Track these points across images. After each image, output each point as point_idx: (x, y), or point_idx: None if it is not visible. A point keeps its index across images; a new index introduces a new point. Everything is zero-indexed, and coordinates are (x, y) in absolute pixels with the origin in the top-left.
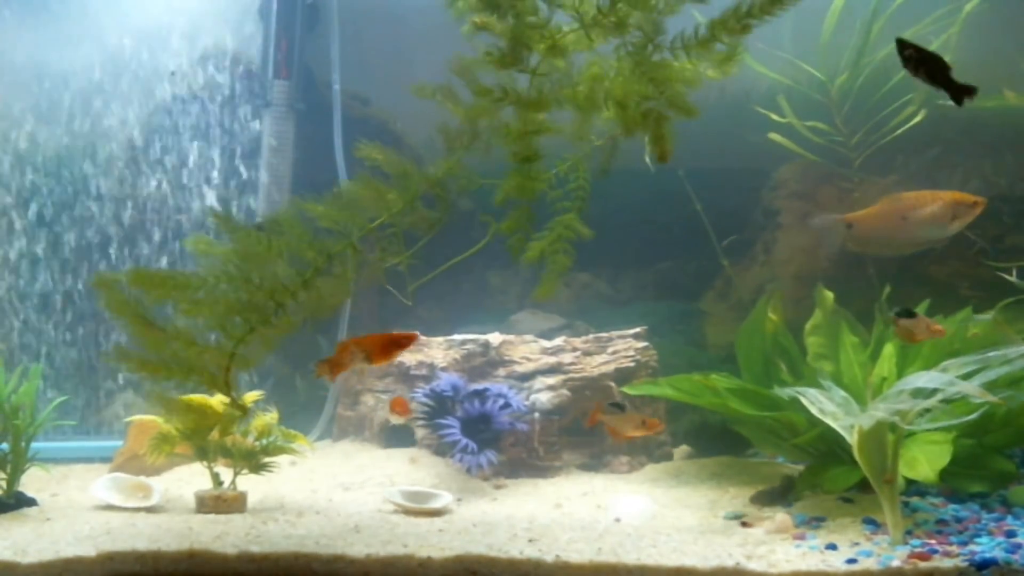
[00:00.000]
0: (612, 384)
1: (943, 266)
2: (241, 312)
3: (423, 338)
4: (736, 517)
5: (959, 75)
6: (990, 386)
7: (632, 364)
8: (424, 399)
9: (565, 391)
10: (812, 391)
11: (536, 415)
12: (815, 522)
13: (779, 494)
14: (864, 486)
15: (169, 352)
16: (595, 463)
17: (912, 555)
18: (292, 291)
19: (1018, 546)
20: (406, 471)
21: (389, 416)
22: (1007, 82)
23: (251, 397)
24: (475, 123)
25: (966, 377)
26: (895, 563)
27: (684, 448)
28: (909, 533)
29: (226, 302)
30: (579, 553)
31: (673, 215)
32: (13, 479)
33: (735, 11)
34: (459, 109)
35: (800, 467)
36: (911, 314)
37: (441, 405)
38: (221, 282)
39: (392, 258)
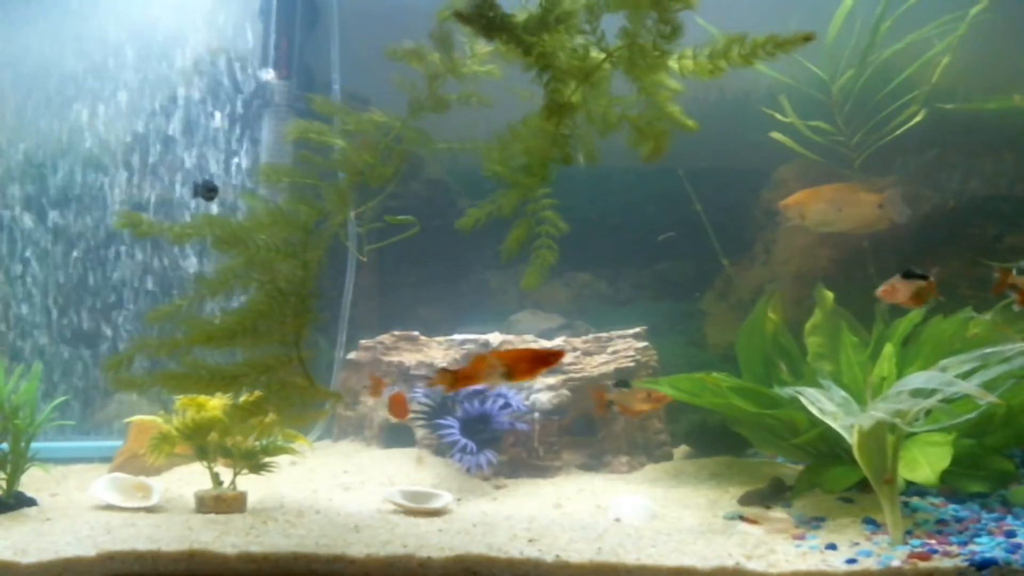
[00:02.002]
0: (612, 384)
1: (943, 266)
2: (289, 320)
3: (423, 338)
4: (736, 517)
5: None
6: (989, 385)
7: (632, 364)
8: (424, 399)
9: (565, 391)
10: (812, 391)
11: (536, 415)
12: (815, 522)
13: (768, 495)
14: (864, 486)
15: (261, 385)
16: (595, 463)
17: (912, 555)
18: (304, 278)
19: (1018, 546)
20: (407, 471)
21: (388, 415)
22: (1009, 83)
23: (252, 398)
24: (539, 159)
25: (965, 376)
26: (895, 563)
27: (684, 448)
28: (909, 533)
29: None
30: (579, 553)
31: (673, 215)
32: (13, 479)
33: (739, 43)
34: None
35: (799, 467)
36: None
37: (441, 405)
38: (270, 307)
39: (345, 213)
